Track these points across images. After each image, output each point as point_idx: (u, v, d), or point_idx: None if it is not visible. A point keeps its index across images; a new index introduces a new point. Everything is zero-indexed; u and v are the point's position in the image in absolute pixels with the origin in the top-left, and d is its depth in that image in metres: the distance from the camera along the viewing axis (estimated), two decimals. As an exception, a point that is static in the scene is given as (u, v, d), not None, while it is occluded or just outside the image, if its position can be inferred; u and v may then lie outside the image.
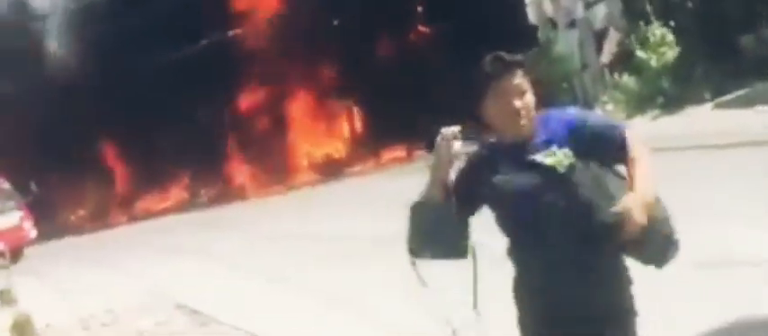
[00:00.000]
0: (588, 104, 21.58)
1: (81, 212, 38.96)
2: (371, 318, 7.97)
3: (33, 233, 24.90)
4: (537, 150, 3.57)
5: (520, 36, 23.06)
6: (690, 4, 19.41)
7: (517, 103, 3.60)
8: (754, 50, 18.03)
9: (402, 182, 20.73)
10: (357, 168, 29.92)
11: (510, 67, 3.69)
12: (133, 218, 35.67)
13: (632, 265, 3.57)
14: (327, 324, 8.21)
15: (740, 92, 16.31)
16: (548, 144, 3.58)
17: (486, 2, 24.77)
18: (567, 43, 22.61)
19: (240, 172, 35.02)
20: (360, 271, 9.71)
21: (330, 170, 30.55)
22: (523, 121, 3.59)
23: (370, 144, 31.07)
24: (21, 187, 25.31)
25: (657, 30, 19.19)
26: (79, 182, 37.10)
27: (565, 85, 22.34)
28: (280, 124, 34.35)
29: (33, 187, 25.13)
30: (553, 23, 23.46)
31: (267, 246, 14.42)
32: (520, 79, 3.67)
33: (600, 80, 21.86)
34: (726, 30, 18.26)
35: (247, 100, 35.27)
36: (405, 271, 8.72)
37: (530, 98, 3.66)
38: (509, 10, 23.88)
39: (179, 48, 33.83)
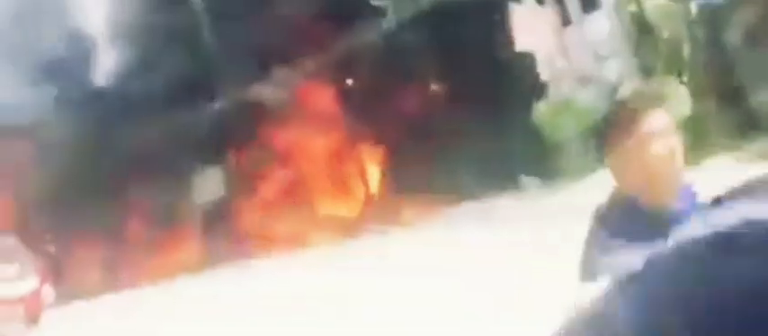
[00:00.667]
0: (602, 160, 21.57)
1: (95, 274, 38.96)
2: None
3: (51, 296, 24.88)
4: (682, 220, 2.77)
5: (533, 92, 23.18)
6: (701, 58, 19.51)
7: (673, 144, 2.78)
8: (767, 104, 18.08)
9: (419, 240, 20.72)
10: (373, 226, 29.88)
11: (656, 102, 2.86)
12: (146, 279, 35.64)
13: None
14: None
15: (755, 146, 16.32)
16: (688, 212, 2.74)
17: (497, 60, 24.91)
18: (584, 98, 22.67)
19: (253, 229, 35.02)
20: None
21: (345, 228, 30.53)
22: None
23: (387, 202, 31.07)
24: (37, 249, 25.35)
25: (670, 86, 19.25)
26: (93, 244, 37.16)
27: (576, 141, 22.35)
28: (293, 181, 34.41)
29: (52, 249, 25.18)
30: (565, 79, 23.56)
31: (280, 306, 14.37)
32: (666, 116, 2.82)
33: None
34: (737, 85, 18.34)
35: (260, 156, 35.39)
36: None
37: (679, 141, 2.79)
38: (522, 68, 24.00)
39: (193, 108, 34.06)
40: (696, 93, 19.00)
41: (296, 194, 34.25)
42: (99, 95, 34.42)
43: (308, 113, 33.58)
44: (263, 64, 33.97)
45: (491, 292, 9.99)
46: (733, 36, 19.54)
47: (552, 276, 10.46)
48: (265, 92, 34.66)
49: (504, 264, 12.01)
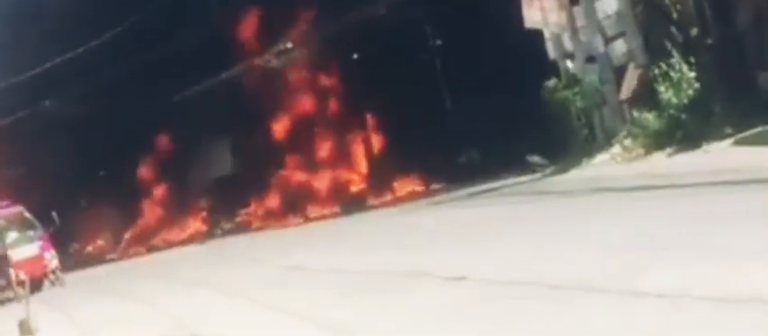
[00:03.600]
0: (606, 139, 21.56)
1: (100, 242, 39.16)
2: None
3: (54, 262, 25.10)
4: None
5: (538, 70, 23.13)
6: (709, 41, 19.43)
7: None
8: (773, 87, 18.02)
9: (418, 216, 20.79)
10: (374, 201, 29.95)
11: None
12: (151, 249, 35.81)
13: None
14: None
15: (759, 129, 16.26)
16: None
17: (505, 36, 24.85)
18: (585, 78, 22.63)
19: (258, 204, 35.12)
20: (376, 308, 9.69)
21: (348, 203, 30.60)
22: None
23: (388, 177, 31.12)
24: (42, 217, 25.52)
25: (678, 67, 19.20)
26: (98, 213, 37.33)
27: (583, 119, 22.34)
28: (298, 157, 34.46)
29: (55, 217, 25.32)
30: (572, 58, 23.50)
31: (285, 278, 14.43)
32: None
33: (619, 115, 21.85)
34: (745, 66, 18.27)
35: (265, 132, 35.43)
36: (423, 304, 8.68)
37: None
38: (528, 45, 23.96)
39: (198, 82, 34.07)
40: (703, 75, 18.94)
41: (302, 168, 34.32)
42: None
43: (312, 89, 33.59)
44: (271, 36, 33.99)
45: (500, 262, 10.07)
46: (743, 17, 19.44)
47: (549, 243, 10.54)
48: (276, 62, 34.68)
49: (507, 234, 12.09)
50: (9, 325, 13.85)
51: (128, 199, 38.27)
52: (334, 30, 30.69)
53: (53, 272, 25.02)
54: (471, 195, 21.75)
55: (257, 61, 34.61)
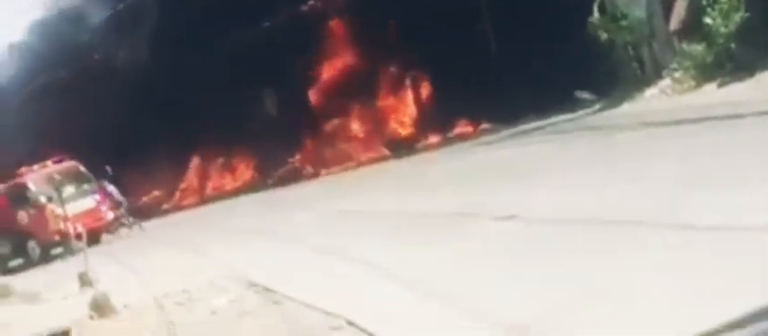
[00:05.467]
0: (656, 72, 21.29)
1: (155, 193, 39.66)
2: (442, 296, 7.92)
3: (110, 215, 25.52)
4: None
5: (583, 5, 22.81)
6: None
7: None
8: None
9: (467, 156, 20.77)
10: (425, 144, 29.93)
11: None
12: (204, 199, 36.24)
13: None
14: (399, 302, 8.19)
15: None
16: None
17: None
18: (634, 11, 22.28)
19: (309, 150, 35.27)
20: (429, 249, 9.74)
21: (398, 146, 30.61)
22: None
23: (438, 120, 31.03)
24: (97, 170, 25.91)
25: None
26: (152, 165, 37.75)
27: (632, 53, 22.05)
28: (348, 102, 34.46)
29: (109, 170, 25.68)
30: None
31: (337, 224, 14.56)
32: None
33: (668, 47, 21.53)
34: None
35: (316, 78, 35.46)
36: (476, 247, 8.69)
37: None
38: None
39: (247, 28, 34.13)
40: (752, 2, 18.57)
41: (351, 113, 34.34)
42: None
43: (362, 33, 33.48)
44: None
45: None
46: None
47: (598, 179, 10.51)
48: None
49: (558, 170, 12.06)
50: (69, 278, 14.21)
51: (181, 151, 38.62)
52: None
53: (112, 224, 25.50)
54: (520, 133, 21.67)
55: (302, 7, 34.58)
